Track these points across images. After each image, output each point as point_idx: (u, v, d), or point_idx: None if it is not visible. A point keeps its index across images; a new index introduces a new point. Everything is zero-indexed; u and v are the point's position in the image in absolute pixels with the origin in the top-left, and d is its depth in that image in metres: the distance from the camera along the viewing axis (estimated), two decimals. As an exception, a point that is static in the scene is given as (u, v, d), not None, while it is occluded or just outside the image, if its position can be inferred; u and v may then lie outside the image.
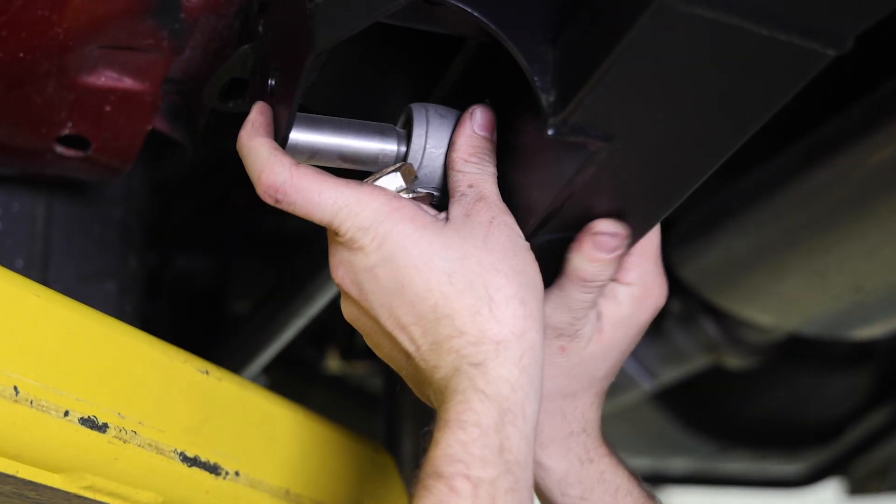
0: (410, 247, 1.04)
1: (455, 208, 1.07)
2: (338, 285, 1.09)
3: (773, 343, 2.18)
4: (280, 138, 1.08)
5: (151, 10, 1.16)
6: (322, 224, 1.06)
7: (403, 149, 1.13)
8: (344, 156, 1.12)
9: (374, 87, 1.24)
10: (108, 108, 1.27)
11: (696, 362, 2.21)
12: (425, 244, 1.04)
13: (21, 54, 1.17)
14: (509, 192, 1.11)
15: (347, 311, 1.10)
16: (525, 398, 1.00)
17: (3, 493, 1.09)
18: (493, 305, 1.02)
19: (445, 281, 1.03)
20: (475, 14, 1.02)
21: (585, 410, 1.20)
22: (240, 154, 1.09)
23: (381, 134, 1.13)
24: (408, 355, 1.05)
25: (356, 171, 1.15)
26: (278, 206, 1.06)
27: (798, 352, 2.44)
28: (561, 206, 1.06)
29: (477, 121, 1.11)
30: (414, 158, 1.13)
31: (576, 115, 0.98)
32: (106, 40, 1.19)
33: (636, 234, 1.11)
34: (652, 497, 1.22)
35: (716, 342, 2.13)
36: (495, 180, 1.10)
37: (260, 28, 1.17)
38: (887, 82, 1.47)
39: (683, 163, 1.05)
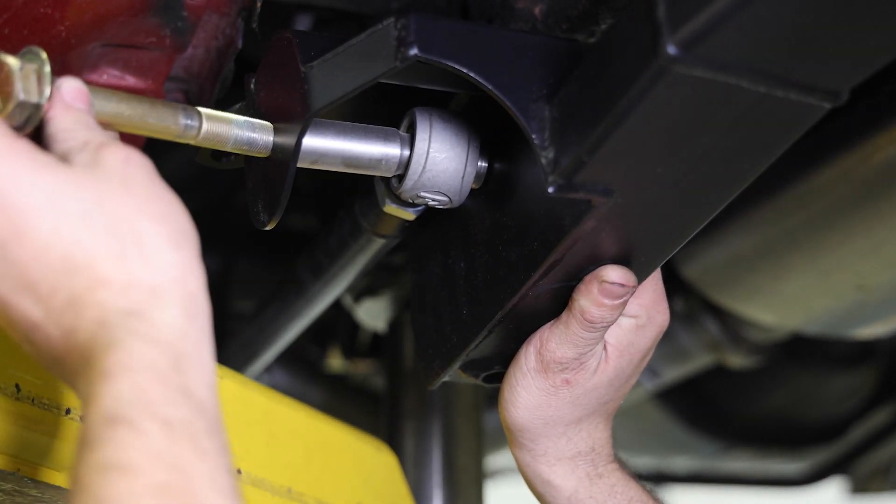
0: (29, 185, 0.85)
1: (77, 160, 0.89)
2: None
3: (775, 342, 2.18)
4: (281, 195, 1.09)
5: (154, 8, 1.16)
6: None
7: (407, 153, 1.13)
8: (347, 160, 1.12)
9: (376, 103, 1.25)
10: (110, 107, 1.27)
11: (699, 361, 2.21)
12: (49, 182, 0.85)
13: (23, 52, 1.17)
14: (509, 243, 1.12)
15: None
16: (198, 347, 0.84)
17: (5, 491, 1.09)
18: (143, 250, 0.85)
19: (79, 225, 0.85)
20: (471, 74, 1.02)
21: (592, 431, 1.20)
22: None
23: (385, 138, 1.13)
24: (32, 327, 0.85)
25: (359, 175, 1.16)
26: None
27: (801, 351, 2.44)
28: (561, 257, 1.06)
29: (72, 94, 0.95)
30: (417, 163, 1.13)
31: (575, 173, 0.98)
32: (108, 38, 1.18)
33: (639, 278, 1.11)
34: None
35: (718, 341, 2.13)
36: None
37: (252, 86, 1.17)
38: (891, 82, 1.46)
39: (683, 212, 1.06)
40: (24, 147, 0.87)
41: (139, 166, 0.90)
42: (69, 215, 0.85)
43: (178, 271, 0.86)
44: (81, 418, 0.79)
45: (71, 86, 0.95)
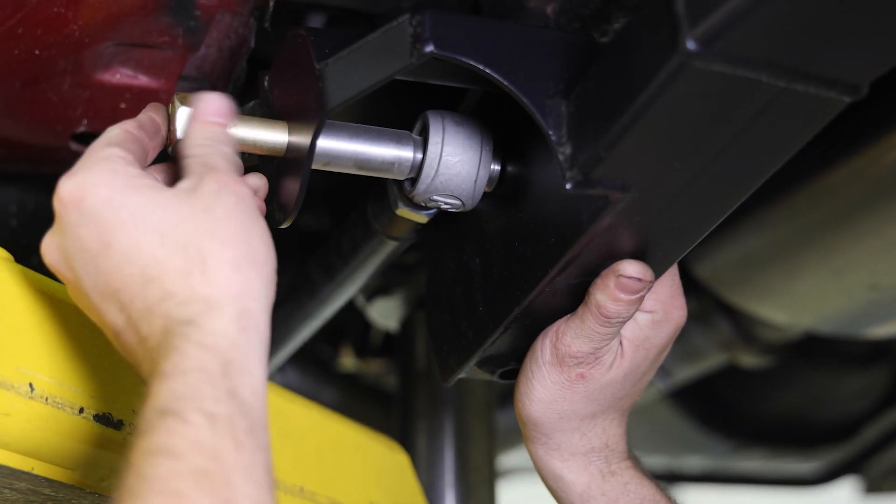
0: (119, 204, 0.95)
1: (184, 183, 0.99)
2: (46, 262, 1.01)
3: (788, 341, 2.18)
4: (297, 194, 1.09)
5: (167, 7, 1.16)
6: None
7: (420, 156, 1.13)
8: (360, 163, 1.12)
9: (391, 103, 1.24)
10: (123, 106, 1.28)
11: (712, 360, 2.21)
12: (137, 203, 0.95)
13: (37, 52, 1.17)
14: (525, 239, 1.11)
15: (72, 295, 1.01)
16: (247, 357, 0.91)
17: (19, 490, 1.09)
18: (206, 268, 0.93)
19: (157, 242, 0.94)
20: (487, 70, 1.02)
21: (606, 427, 1.20)
22: None
23: (398, 141, 1.13)
24: (118, 332, 0.96)
25: (370, 178, 1.15)
26: None
27: (813, 350, 2.44)
28: (579, 253, 1.06)
29: (209, 109, 1.04)
30: (430, 166, 1.13)
31: (593, 168, 0.98)
32: (121, 37, 1.19)
33: (656, 273, 1.11)
34: None
35: (731, 340, 2.13)
36: (231, 157, 1.02)
37: (266, 84, 1.17)
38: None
39: (701, 207, 1.05)
40: (125, 170, 0.97)
41: (231, 194, 0.97)
42: (149, 233, 0.94)
43: (236, 289, 0.93)
44: (135, 415, 0.90)
45: (207, 101, 1.04)
